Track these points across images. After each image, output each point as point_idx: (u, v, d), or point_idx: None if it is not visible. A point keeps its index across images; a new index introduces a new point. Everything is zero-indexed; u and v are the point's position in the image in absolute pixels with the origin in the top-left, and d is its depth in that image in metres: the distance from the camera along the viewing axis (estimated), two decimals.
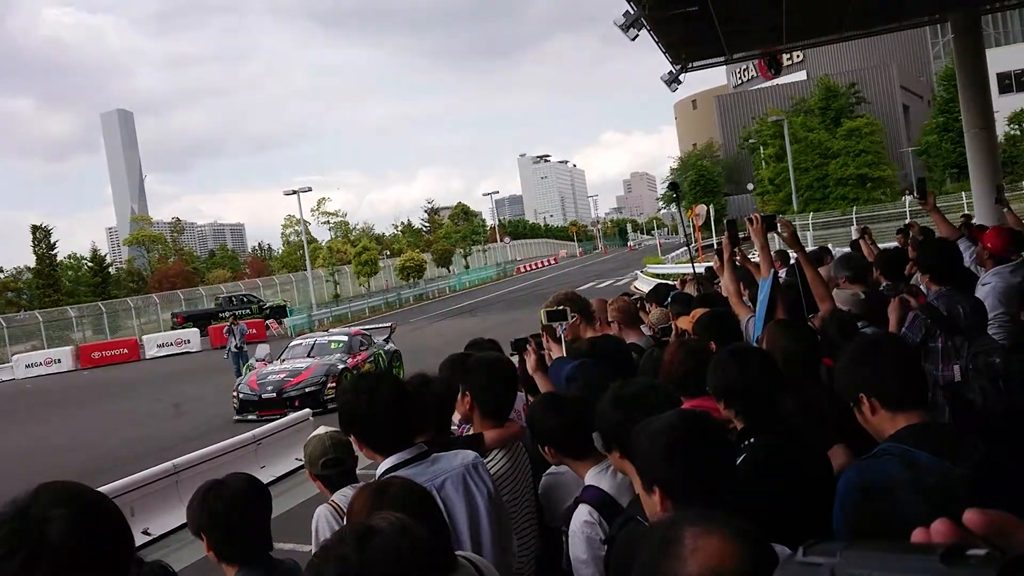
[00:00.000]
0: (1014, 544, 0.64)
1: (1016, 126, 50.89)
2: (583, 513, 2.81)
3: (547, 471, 3.58)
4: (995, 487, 2.32)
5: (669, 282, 16.67)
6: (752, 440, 2.85)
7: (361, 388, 2.84)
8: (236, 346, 23.26)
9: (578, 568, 2.79)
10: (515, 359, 4.35)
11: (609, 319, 5.69)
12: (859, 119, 57.58)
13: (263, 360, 18.75)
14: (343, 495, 3.52)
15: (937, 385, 4.36)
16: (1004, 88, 53.24)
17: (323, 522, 3.40)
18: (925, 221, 18.87)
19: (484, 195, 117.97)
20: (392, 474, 2.63)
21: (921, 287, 5.42)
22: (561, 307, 4.36)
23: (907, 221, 23.39)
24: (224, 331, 25.62)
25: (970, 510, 0.65)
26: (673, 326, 5.34)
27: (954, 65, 26.40)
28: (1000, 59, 45.58)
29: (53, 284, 60.24)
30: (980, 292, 5.96)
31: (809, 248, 9.08)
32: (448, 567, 2.14)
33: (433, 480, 2.67)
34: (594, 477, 2.97)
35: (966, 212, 22.58)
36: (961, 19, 19.12)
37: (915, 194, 6.95)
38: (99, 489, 1.63)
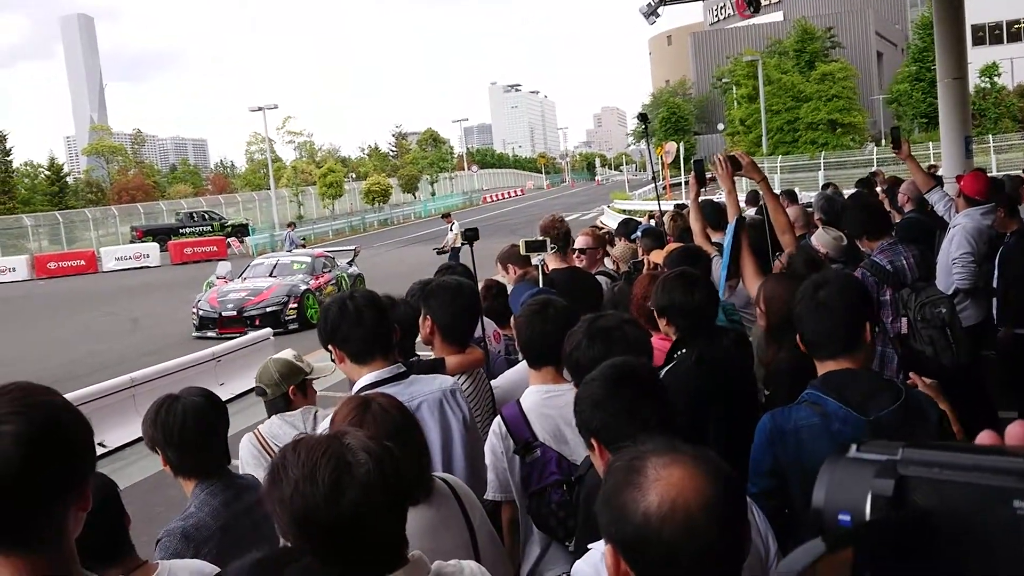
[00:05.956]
0: None
1: (987, 79, 50.87)
2: (495, 424, 2.92)
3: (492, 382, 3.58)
4: (888, 435, 2.35)
5: (636, 217, 16.64)
6: (684, 350, 3.07)
7: (345, 299, 2.88)
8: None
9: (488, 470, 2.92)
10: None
11: (582, 247, 5.63)
12: (833, 64, 57.15)
13: (223, 278, 18.49)
14: (270, 424, 3.53)
15: (888, 337, 4.35)
16: (977, 40, 53.14)
17: (244, 450, 3.48)
18: (893, 169, 18.95)
19: (454, 122, 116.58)
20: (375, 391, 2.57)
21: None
22: (541, 238, 4.32)
23: (873, 169, 23.45)
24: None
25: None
26: (645, 260, 5.29)
27: (931, 13, 26.25)
28: (976, 10, 45.36)
29: (8, 191, 58.63)
30: (950, 232, 6.00)
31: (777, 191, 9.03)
32: (425, 490, 2.14)
33: (410, 402, 2.61)
34: (530, 393, 2.97)
35: (932, 163, 22.68)
36: None
37: (890, 142, 6.92)
38: None
